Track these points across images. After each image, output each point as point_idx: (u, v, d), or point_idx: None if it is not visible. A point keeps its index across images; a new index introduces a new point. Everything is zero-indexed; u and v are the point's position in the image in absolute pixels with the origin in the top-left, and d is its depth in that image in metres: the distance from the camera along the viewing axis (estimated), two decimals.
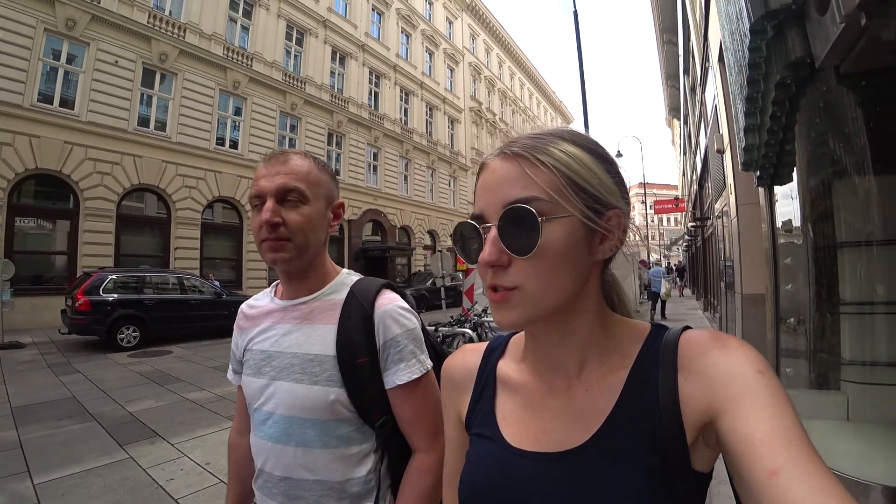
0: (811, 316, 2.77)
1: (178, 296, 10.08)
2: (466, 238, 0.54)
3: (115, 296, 8.99)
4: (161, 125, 14.37)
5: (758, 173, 2.92)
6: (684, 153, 21.23)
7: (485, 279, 0.52)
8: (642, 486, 0.47)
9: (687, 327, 0.54)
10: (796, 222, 3.14)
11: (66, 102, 12.54)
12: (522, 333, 0.63)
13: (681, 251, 35.73)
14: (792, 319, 3.09)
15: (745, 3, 1.94)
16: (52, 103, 12.25)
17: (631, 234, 0.55)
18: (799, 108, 2.16)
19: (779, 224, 3.50)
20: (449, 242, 25.03)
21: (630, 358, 0.54)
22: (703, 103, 9.69)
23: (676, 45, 16.23)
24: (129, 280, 9.49)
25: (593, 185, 0.50)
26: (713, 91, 7.12)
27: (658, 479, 0.47)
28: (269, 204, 0.88)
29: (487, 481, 0.55)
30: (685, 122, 17.57)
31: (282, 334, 0.95)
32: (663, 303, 14.08)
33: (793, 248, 3.22)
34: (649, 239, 39.08)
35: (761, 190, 3.59)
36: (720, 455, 0.48)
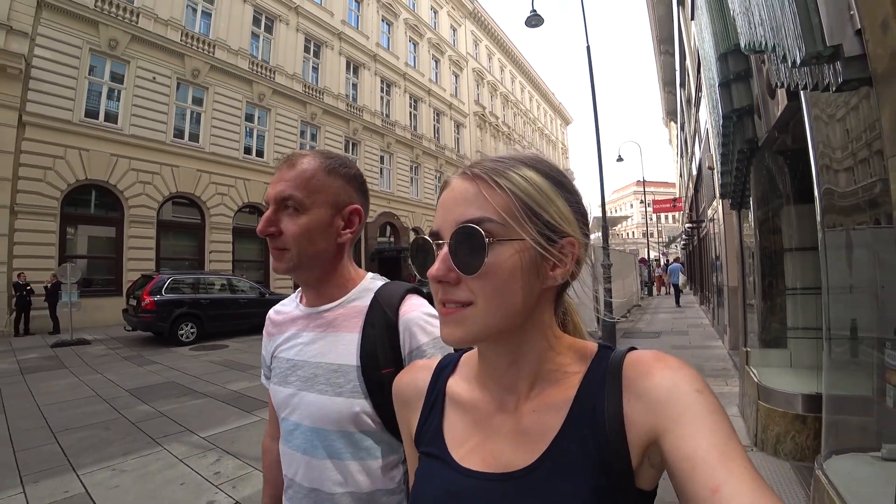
0: (759, 298, 4.12)
1: (228, 295, 11.13)
2: (422, 253, 0.56)
3: (175, 296, 10.02)
4: (195, 137, 15.39)
5: (730, 201, 4.30)
6: (681, 156, 22.27)
7: (435, 294, 0.53)
8: None
9: (632, 348, 0.55)
10: (752, 234, 4.57)
11: (111, 117, 13.54)
12: (474, 351, 0.63)
13: (679, 248, 36.89)
14: (753, 301, 4.32)
15: (719, 98, 3.09)
16: (98, 118, 13.25)
17: (588, 264, 0.57)
18: (752, 163, 3.47)
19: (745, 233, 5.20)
20: None
21: (577, 379, 0.54)
22: (696, 121, 10.78)
23: (673, 55, 17.19)
24: (185, 281, 10.52)
25: (548, 212, 0.51)
26: (706, 115, 8.25)
27: (603, 499, 0.48)
28: (267, 213, 0.88)
29: (434, 501, 0.56)
30: (682, 128, 18.63)
31: (306, 343, 0.94)
32: (679, 292, 18.19)
33: (752, 252, 4.63)
34: (648, 237, 40.31)
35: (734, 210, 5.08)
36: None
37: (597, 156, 9.39)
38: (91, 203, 13.28)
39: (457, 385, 0.63)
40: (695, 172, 13.96)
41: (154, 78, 14.35)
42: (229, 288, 11.32)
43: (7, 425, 4.72)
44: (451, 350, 0.83)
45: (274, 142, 17.77)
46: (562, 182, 0.55)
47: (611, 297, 9.49)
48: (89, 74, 13.17)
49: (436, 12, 28.64)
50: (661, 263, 24.59)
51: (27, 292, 11.18)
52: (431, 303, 0.86)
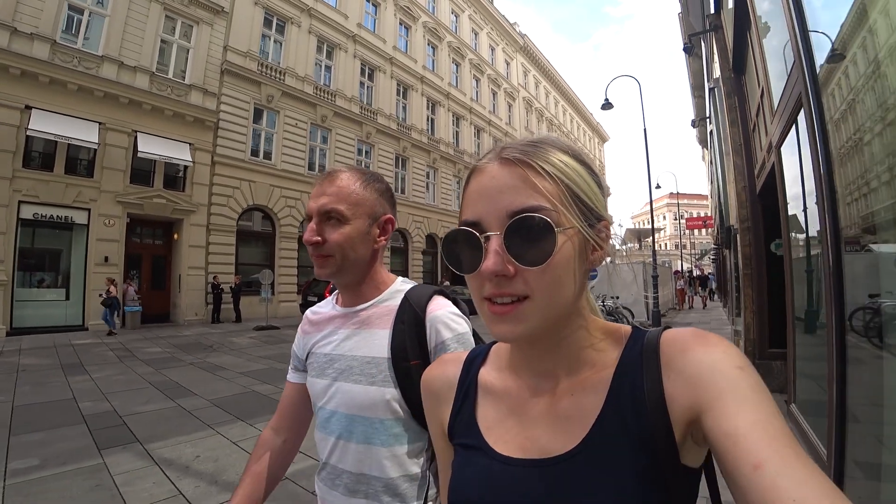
0: (735, 294, 7.98)
1: None
2: (460, 246, 0.52)
3: None
4: (322, 168, 19.27)
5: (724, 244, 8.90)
6: (711, 182, 25.05)
7: (480, 290, 0.50)
8: (634, 488, 0.47)
9: (667, 327, 0.54)
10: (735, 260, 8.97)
11: (267, 155, 17.55)
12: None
13: (710, 261, 39.69)
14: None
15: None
16: (259, 156, 17.26)
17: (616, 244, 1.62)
18: (732, 233, 7.40)
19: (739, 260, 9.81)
20: None
21: (613, 360, 0.54)
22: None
23: (705, 100, 19.77)
24: None
25: (589, 197, 0.51)
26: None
27: (649, 478, 0.47)
28: (311, 224, 0.98)
29: (476, 491, 0.54)
30: (711, 162, 21.36)
31: (342, 339, 1.03)
32: (712, 291, 25.17)
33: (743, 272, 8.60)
34: (682, 250, 43.13)
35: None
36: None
37: (649, 203, 12.64)
38: (255, 222, 17.29)
39: (488, 375, 0.63)
40: (721, 204, 17.00)
41: (296, 124, 18.34)
42: None
43: None
44: (474, 345, 0.97)
45: (377, 170, 21.52)
46: (589, 165, 0.55)
47: (657, 297, 13.08)
48: (254, 123, 17.21)
49: (493, 49, 32.35)
50: (685, 276, 26.45)
51: (220, 290, 15.11)
52: (456, 304, 1.06)
